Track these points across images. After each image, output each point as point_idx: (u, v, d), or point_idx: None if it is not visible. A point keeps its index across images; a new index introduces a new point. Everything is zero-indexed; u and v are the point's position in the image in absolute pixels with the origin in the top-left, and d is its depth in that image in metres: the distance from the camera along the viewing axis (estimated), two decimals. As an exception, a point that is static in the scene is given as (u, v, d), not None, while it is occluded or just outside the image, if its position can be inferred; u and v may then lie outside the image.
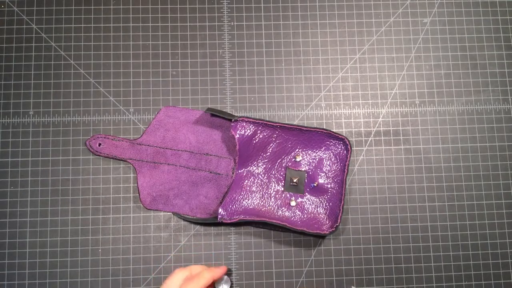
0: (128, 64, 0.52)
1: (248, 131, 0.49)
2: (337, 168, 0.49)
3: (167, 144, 0.50)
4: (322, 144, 0.49)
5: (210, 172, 0.50)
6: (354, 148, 0.51)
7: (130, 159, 0.50)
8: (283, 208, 0.49)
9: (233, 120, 0.48)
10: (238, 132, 0.48)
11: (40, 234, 0.49)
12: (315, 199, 0.49)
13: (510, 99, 0.53)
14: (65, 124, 0.51)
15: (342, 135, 0.49)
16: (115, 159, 0.50)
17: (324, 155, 0.50)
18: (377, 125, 0.52)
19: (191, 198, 0.49)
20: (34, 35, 0.52)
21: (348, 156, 0.49)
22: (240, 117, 0.48)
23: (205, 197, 0.49)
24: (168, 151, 0.50)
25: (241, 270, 0.49)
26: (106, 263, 0.49)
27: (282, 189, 0.49)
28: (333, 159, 0.49)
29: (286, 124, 0.49)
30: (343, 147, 0.49)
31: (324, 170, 0.50)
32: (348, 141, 0.49)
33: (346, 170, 0.49)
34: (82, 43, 0.52)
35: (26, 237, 0.49)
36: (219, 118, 0.51)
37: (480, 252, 0.50)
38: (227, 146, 0.50)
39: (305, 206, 0.49)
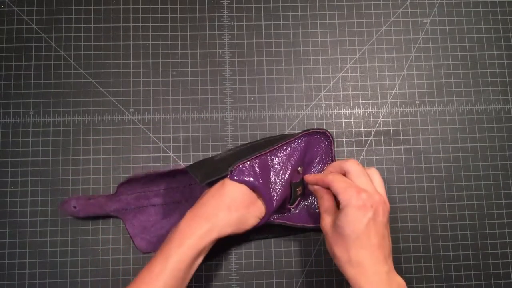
0: (128, 64, 0.52)
1: (251, 172, 0.44)
2: (326, 161, 0.49)
3: (146, 187, 0.49)
4: (309, 145, 0.49)
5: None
6: (354, 148, 0.51)
7: (112, 211, 0.47)
8: (283, 210, 0.48)
9: (229, 171, 0.43)
10: (245, 179, 0.43)
11: (40, 234, 0.49)
12: (312, 197, 0.50)
13: (510, 99, 0.53)
14: (65, 124, 0.51)
15: (322, 128, 0.49)
16: (96, 216, 0.48)
17: (314, 154, 0.49)
18: (377, 125, 0.52)
19: None
20: (34, 35, 0.52)
21: (332, 147, 0.49)
22: (233, 165, 0.43)
23: None
24: (149, 192, 0.49)
25: (241, 270, 0.49)
26: (106, 263, 0.49)
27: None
28: (321, 154, 0.50)
29: (274, 146, 0.46)
30: (324, 139, 0.49)
31: (317, 167, 0.49)
32: (329, 132, 0.49)
33: (334, 161, 0.49)
34: (82, 43, 0.52)
35: (26, 237, 0.49)
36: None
37: (480, 252, 0.50)
38: None
39: (305, 203, 0.49)
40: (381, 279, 0.38)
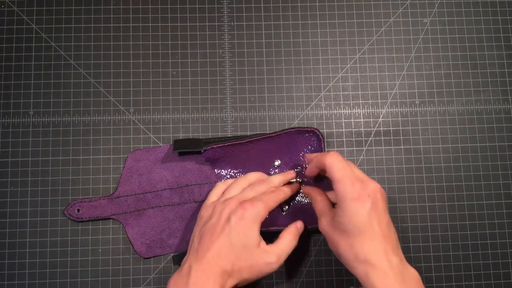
0: (128, 64, 0.52)
1: (221, 156, 0.49)
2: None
3: (144, 189, 0.49)
4: (295, 142, 0.50)
5: (196, 202, 0.49)
6: (354, 148, 0.51)
7: (113, 215, 0.48)
8: (277, 215, 0.48)
9: (202, 151, 0.47)
10: (212, 160, 0.49)
11: (40, 234, 0.49)
12: (303, 196, 0.50)
13: (510, 99, 0.53)
14: (65, 124, 0.51)
15: (311, 127, 0.49)
16: (98, 219, 0.49)
17: (300, 151, 0.50)
18: (377, 125, 0.52)
19: (185, 233, 0.49)
20: (34, 35, 0.52)
21: (322, 145, 0.49)
22: (208, 145, 0.48)
23: None
24: (148, 195, 0.49)
25: (241, 270, 0.49)
26: (106, 263, 0.49)
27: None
28: (308, 153, 0.50)
29: (254, 137, 0.49)
30: (315, 139, 0.50)
31: (304, 165, 0.50)
32: (318, 131, 0.49)
33: None
34: (82, 43, 0.52)
35: (26, 237, 0.49)
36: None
37: (480, 252, 0.50)
38: (204, 171, 0.50)
39: (297, 206, 0.49)
40: (393, 273, 0.35)
